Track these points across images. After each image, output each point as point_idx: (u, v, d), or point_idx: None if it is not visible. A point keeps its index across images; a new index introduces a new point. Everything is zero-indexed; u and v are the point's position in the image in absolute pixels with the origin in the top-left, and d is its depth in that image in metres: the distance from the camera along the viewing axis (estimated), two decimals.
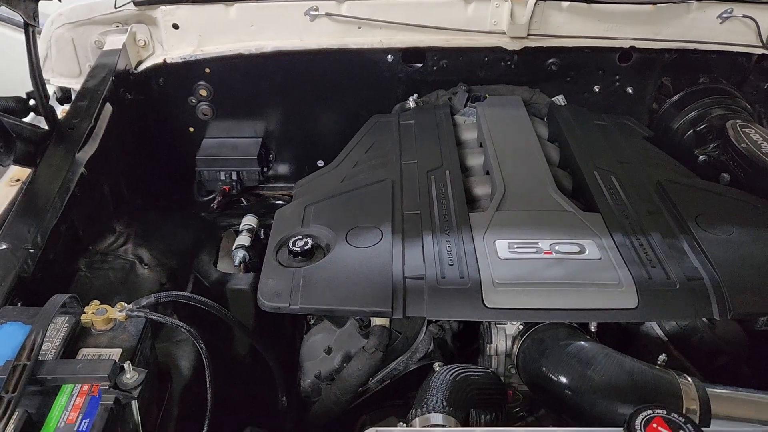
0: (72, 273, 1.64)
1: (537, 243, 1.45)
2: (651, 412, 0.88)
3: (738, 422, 1.17)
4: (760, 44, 2.03)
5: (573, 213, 1.55)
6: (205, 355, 1.31)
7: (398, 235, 1.49)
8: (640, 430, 0.86)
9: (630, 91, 2.22)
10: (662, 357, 1.31)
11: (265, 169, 2.38)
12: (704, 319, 1.48)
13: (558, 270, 1.37)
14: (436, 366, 1.43)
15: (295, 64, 2.16)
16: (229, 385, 1.71)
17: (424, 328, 1.50)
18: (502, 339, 1.43)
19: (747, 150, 1.73)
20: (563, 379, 1.24)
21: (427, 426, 1.05)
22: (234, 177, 2.31)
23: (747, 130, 1.81)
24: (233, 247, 2.05)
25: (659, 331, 1.50)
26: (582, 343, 1.28)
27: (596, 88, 2.23)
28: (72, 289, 1.61)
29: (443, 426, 1.04)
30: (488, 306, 1.31)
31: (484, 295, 1.32)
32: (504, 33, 2.04)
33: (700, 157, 1.94)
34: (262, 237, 2.16)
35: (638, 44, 2.08)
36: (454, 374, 1.18)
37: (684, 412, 1.15)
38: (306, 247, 1.46)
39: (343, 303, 1.35)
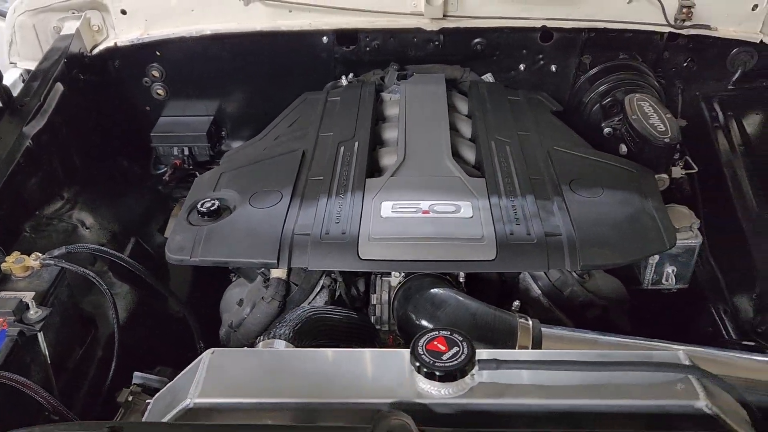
0: (16, 235, 1.83)
1: (418, 204, 1.60)
2: (437, 332, 1.03)
3: None
4: (666, 23, 2.14)
5: (460, 178, 1.70)
6: (110, 298, 1.49)
7: (297, 198, 1.65)
8: (422, 346, 1.01)
9: (554, 69, 2.34)
10: (516, 303, 1.46)
11: (217, 145, 2.56)
12: (574, 275, 1.62)
13: (430, 227, 1.52)
14: None
15: (236, 46, 2.32)
16: (157, 335, 1.91)
17: (321, 282, 1.66)
18: (386, 290, 1.59)
19: (636, 122, 1.85)
20: (419, 321, 1.40)
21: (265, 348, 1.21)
22: (186, 152, 2.48)
23: (642, 103, 1.93)
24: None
25: (534, 286, 1.64)
26: (438, 290, 1.43)
27: (522, 67, 2.35)
28: (15, 248, 1.80)
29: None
30: (362, 258, 1.47)
31: (359, 248, 1.48)
32: (422, 14, 2.18)
33: (605, 129, 2.06)
34: None
35: (550, 24, 2.20)
36: (309, 312, 1.35)
37: (517, 347, 1.30)
38: (212, 208, 1.63)
39: (236, 255, 1.52)
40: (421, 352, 1.00)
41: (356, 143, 1.87)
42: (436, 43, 2.30)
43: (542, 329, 1.34)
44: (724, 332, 1.73)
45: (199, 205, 1.64)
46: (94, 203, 2.10)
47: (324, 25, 2.25)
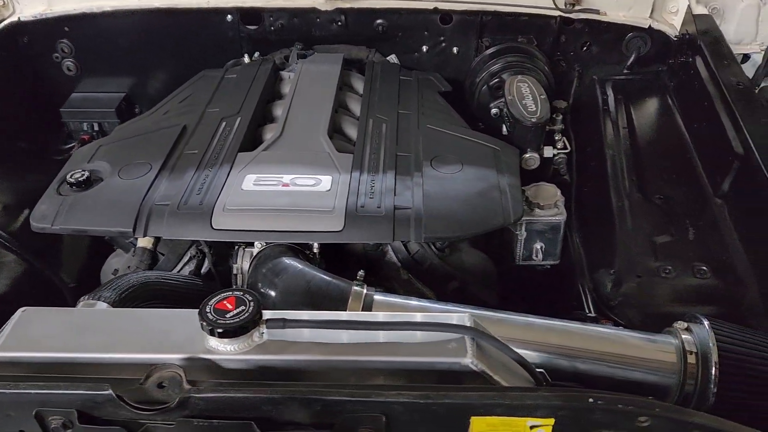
0: None
1: (281, 177, 1.65)
2: (230, 292, 1.08)
3: None
4: (554, 6, 2.19)
5: (329, 154, 1.75)
6: None
7: (167, 170, 1.69)
8: (211, 306, 1.06)
9: (455, 51, 2.38)
10: (360, 273, 1.52)
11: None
12: (434, 249, 1.68)
13: (286, 199, 1.57)
14: None
15: (142, 24, 2.35)
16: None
17: (188, 252, 1.71)
18: (247, 260, 1.64)
19: (511, 102, 1.91)
20: (263, 289, 1.45)
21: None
22: (96, 128, 2.51)
23: (521, 85, 1.98)
24: None
25: (395, 259, 1.70)
26: (283, 259, 1.49)
27: (425, 48, 2.40)
28: None
29: None
30: (215, 227, 1.51)
31: (213, 218, 1.52)
32: None
33: (492, 110, 2.11)
34: None
35: (442, 6, 2.24)
36: (139, 277, 1.40)
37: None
38: (81, 179, 1.66)
39: (95, 224, 1.57)
40: (208, 311, 1.05)
41: (238, 119, 1.91)
42: (339, 23, 2.34)
43: (375, 297, 1.39)
44: (586, 307, 1.79)
45: (68, 176, 1.68)
46: None
47: (225, 3, 2.29)
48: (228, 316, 1.05)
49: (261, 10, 2.31)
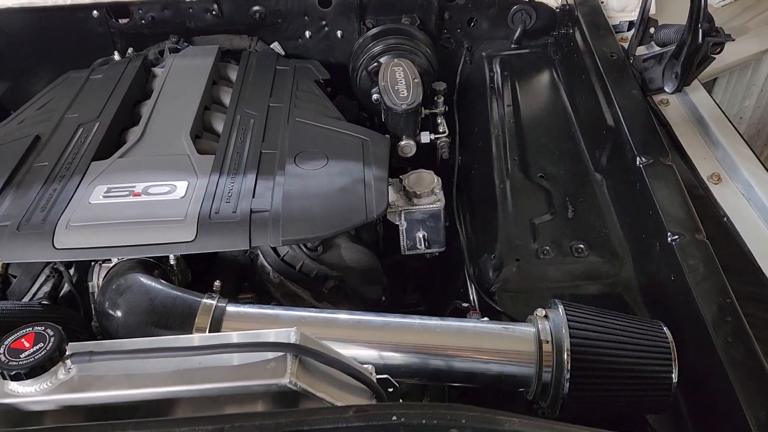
0: None
1: (133, 186, 1.55)
2: (30, 329, 1.00)
3: None
4: None
5: (188, 156, 1.65)
6: None
7: (12, 187, 1.58)
8: (6, 346, 0.97)
9: (340, 35, 2.30)
10: (216, 283, 1.44)
11: None
12: (304, 249, 1.62)
13: (135, 210, 1.48)
14: None
15: (2, 24, 2.19)
16: None
17: (43, 272, 1.60)
18: (104, 275, 1.54)
19: (384, 88, 1.84)
20: (108, 310, 1.36)
21: None
22: None
23: (396, 69, 1.91)
24: None
25: (266, 263, 1.63)
26: (129, 275, 1.40)
27: (308, 34, 2.31)
28: None
29: None
30: (57, 247, 1.41)
31: (55, 236, 1.42)
32: None
33: (373, 96, 2.04)
34: None
35: None
36: None
37: (194, 330, 1.28)
38: None
39: None
40: (1, 352, 0.96)
41: (96, 124, 1.80)
42: (213, 12, 2.22)
43: (228, 308, 1.32)
44: (470, 295, 1.76)
45: None
46: None
47: None
48: (23, 356, 0.96)
49: (128, 3, 2.18)
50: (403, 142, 1.84)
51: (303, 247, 1.61)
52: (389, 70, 1.91)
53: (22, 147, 1.71)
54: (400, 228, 1.78)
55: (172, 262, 1.51)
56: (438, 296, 1.98)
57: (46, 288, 1.61)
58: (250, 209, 1.48)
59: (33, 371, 0.95)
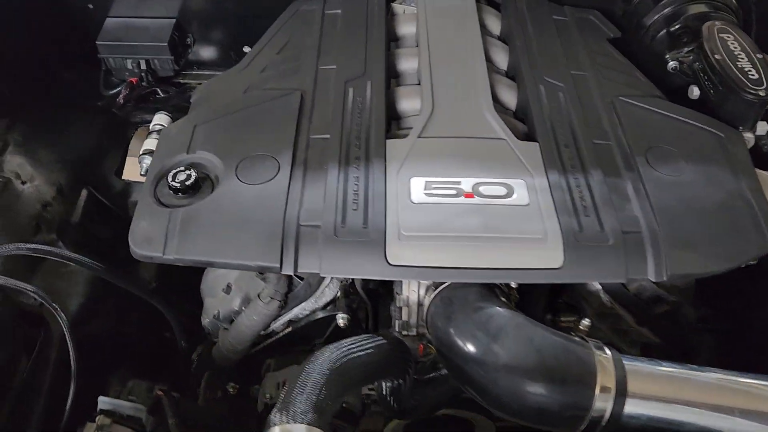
0: None
1: (459, 183, 1.24)
2: None
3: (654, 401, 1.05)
4: None
5: (506, 142, 1.33)
6: (64, 322, 1.13)
7: (299, 167, 1.27)
8: None
9: None
10: (585, 323, 1.17)
11: (183, 56, 2.07)
12: None
13: (476, 219, 1.18)
14: (340, 321, 1.29)
15: None
16: (125, 323, 1.58)
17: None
18: (414, 289, 1.27)
19: (720, 62, 1.47)
20: (469, 350, 1.09)
21: None
22: (143, 66, 2.00)
23: (725, 35, 1.53)
24: (140, 152, 1.82)
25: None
26: (492, 310, 1.12)
27: None
28: None
29: None
30: (391, 263, 1.13)
31: (387, 249, 1.14)
32: None
33: (670, 63, 1.67)
34: None
35: None
36: (332, 361, 1.03)
37: (598, 390, 1.02)
38: (188, 182, 1.23)
39: (225, 255, 1.16)
40: None
41: (368, 83, 1.46)
42: None
43: (626, 364, 1.06)
44: None
45: (170, 178, 1.24)
46: (31, 143, 1.66)
47: None
48: None
49: None
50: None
51: None
52: (716, 38, 1.53)
53: (291, 109, 1.38)
54: None
55: (514, 285, 1.23)
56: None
57: (331, 290, 1.35)
58: (621, 228, 1.18)
59: None
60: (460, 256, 1.14)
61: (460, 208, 1.20)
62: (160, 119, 1.89)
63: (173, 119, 1.91)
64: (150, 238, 1.18)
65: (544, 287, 1.37)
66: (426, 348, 1.30)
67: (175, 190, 1.24)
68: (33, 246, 1.14)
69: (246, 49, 2.05)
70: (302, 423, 0.90)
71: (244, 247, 1.16)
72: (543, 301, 1.37)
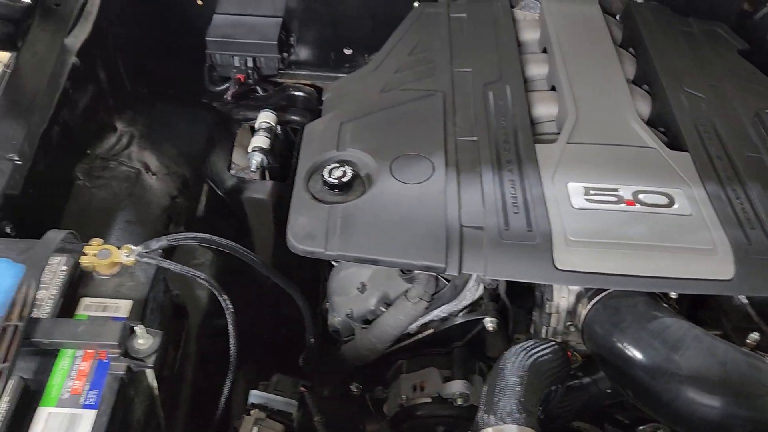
0: (68, 183, 1.43)
1: (617, 190, 1.23)
2: None
3: None
4: None
5: (658, 151, 1.31)
6: (230, 315, 1.12)
7: (452, 168, 1.26)
8: None
9: None
10: (755, 336, 1.15)
11: (286, 55, 2.08)
12: None
13: (642, 227, 1.17)
14: (489, 325, 1.27)
15: None
16: (251, 320, 1.56)
17: (475, 276, 1.32)
18: (565, 296, 1.25)
19: None
20: (643, 361, 1.07)
21: None
22: (250, 64, 2.01)
23: None
24: (249, 149, 1.83)
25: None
26: (666, 319, 1.10)
27: None
28: (70, 202, 1.40)
29: None
30: (559, 267, 1.11)
31: (554, 253, 1.12)
32: None
33: None
34: (280, 135, 1.93)
35: None
36: (526, 361, 1.01)
37: None
38: (345, 179, 1.23)
39: (390, 253, 1.15)
40: None
41: (507, 87, 1.45)
42: None
43: None
44: None
45: (326, 173, 1.24)
46: (153, 135, 1.67)
47: None
48: None
49: None
50: None
51: None
52: None
53: (436, 110, 1.38)
54: None
55: (673, 295, 1.21)
56: None
57: (471, 293, 1.34)
58: None
59: None
60: (628, 263, 1.13)
61: (624, 216, 1.18)
62: (266, 117, 1.92)
63: (277, 117, 1.94)
64: (311, 233, 1.17)
65: (687, 300, 1.34)
66: (572, 355, 1.28)
67: (331, 186, 1.23)
68: (200, 236, 1.13)
69: (347, 50, 2.06)
70: (513, 423, 0.88)
71: (407, 246, 1.15)
72: (684, 314, 1.35)
